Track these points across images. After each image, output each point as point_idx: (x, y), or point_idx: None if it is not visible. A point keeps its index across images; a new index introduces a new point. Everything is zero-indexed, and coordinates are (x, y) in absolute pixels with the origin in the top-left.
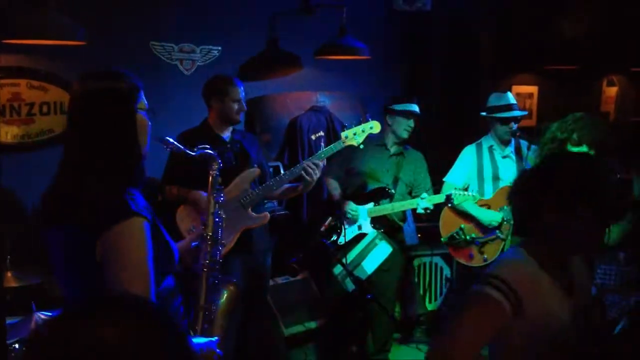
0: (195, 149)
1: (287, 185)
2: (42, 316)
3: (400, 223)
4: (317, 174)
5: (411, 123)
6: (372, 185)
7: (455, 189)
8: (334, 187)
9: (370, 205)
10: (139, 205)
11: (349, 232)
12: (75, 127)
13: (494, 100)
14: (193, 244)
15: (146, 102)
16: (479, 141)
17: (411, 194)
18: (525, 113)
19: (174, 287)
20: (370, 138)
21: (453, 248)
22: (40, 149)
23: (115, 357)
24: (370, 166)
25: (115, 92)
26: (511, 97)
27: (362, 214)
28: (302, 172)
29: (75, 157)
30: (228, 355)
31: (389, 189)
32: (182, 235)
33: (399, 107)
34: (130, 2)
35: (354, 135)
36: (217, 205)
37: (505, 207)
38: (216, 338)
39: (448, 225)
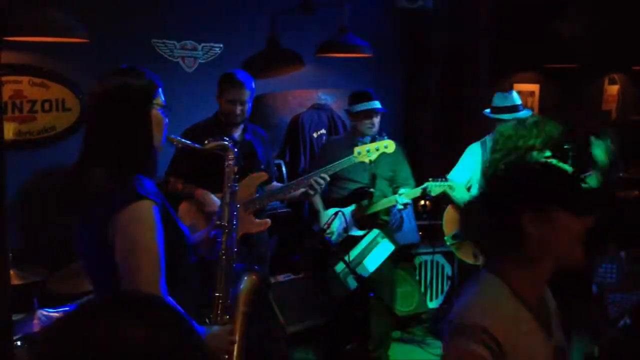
0: (206, 141)
1: (301, 190)
2: (45, 313)
3: (386, 218)
4: (322, 188)
5: (374, 120)
6: (352, 187)
7: (431, 179)
8: (318, 201)
9: (352, 207)
10: (147, 190)
11: (337, 237)
12: (93, 119)
13: (499, 100)
14: (212, 233)
15: (163, 99)
16: (483, 139)
17: (393, 188)
18: (531, 113)
19: (190, 270)
20: (339, 140)
21: (457, 247)
22: (42, 146)
23: (125, 356)
24: (346, 168)
25: (132, 88)
26: (516, 98)
27: (346, 217)
28: (308, 185)
29: (91, 148)
30: (242, 342)
31: (367, 189)
32: None
33: (359, 107)
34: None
35: (367, 152)
36: (232, 195)
37: None
38: (228, 325)
39: (452, 223)
